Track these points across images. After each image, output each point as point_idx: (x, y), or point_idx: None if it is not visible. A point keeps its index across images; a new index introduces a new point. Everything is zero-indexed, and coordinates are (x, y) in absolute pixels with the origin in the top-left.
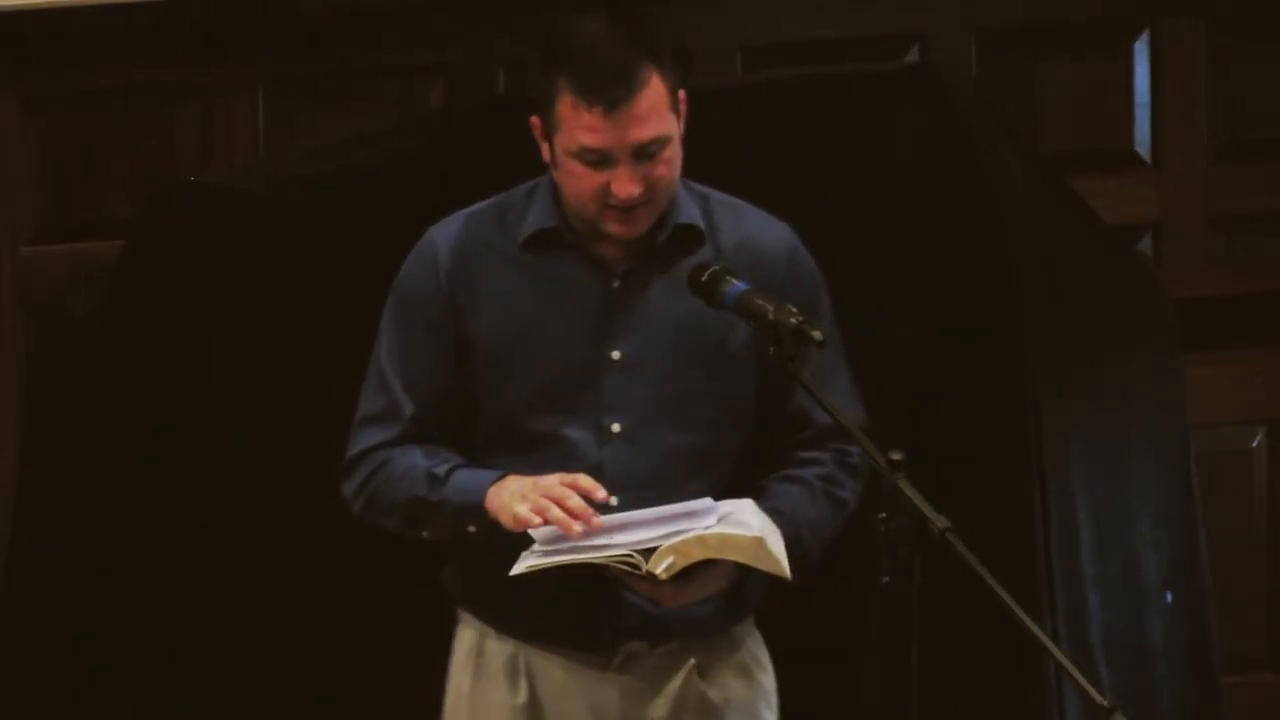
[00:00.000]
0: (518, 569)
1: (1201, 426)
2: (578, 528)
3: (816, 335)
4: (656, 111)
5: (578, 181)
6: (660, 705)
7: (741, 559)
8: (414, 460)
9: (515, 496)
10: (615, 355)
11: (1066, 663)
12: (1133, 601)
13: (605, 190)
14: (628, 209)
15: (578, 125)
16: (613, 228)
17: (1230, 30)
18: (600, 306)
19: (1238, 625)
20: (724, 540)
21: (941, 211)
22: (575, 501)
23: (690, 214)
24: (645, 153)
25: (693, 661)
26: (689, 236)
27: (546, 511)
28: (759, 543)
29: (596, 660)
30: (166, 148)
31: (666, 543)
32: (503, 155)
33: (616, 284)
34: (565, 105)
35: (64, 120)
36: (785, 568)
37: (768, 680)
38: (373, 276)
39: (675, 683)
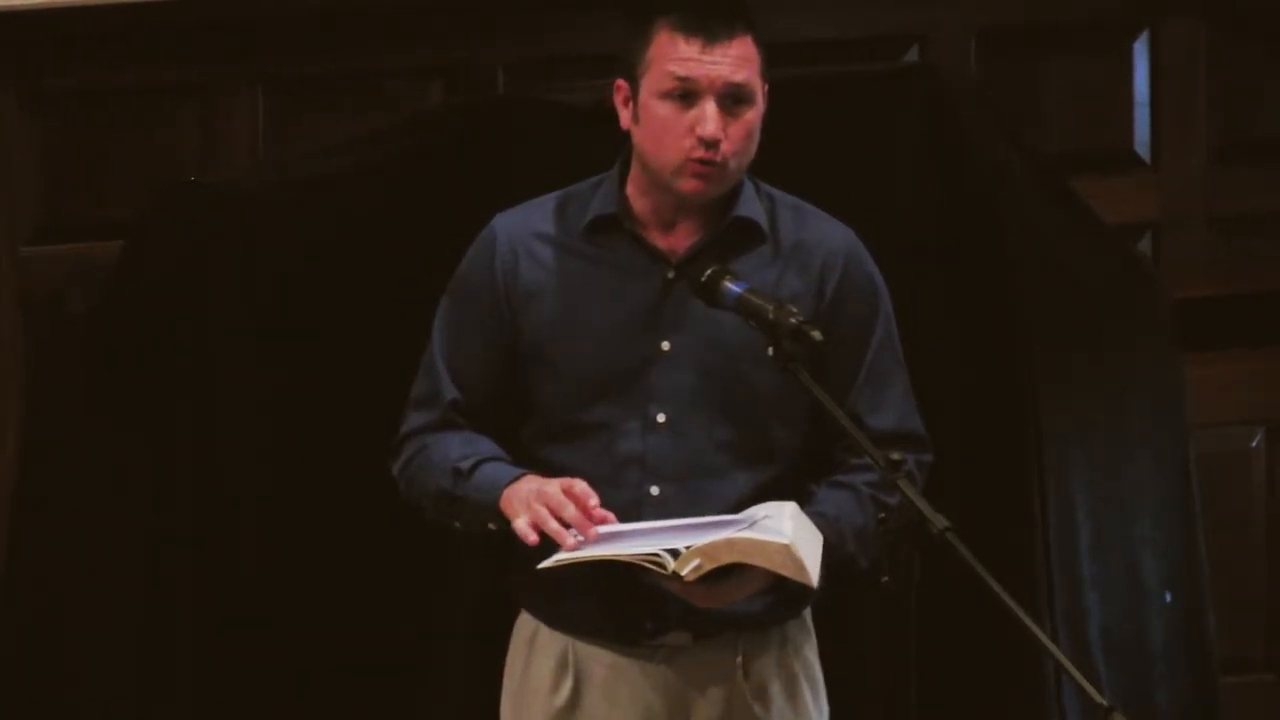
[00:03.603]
0: (547, 564)
1: (1201, 426)
2: (570, 540)
3: (816, 335)
4: (750, 64)
5: (664, 124)
6: (703, 702)
7: (768, 565)
8: (446, 450)
9: (521, 505)
10: (665, 345)
11: (1066, 663)
12: (1132, 601)
13: (689, 131)
14: (707, 163)
15: (674, 57)
16: (688, 184)
17: (1230, 30)
18: (654, 296)
19: (1237, 625)
20: (753, 545)
21: (941, 211)
22: (570, 512)
23: (753, 210)
24: (734, 97)
25: (739, 659)
26: (748, 232)
27: (544, 524)
28: (787, 549)
29: (641, 654)
30: (166, 148)
31: (696, 544)
32: (503, 155)
33: (671, 274)
34: (662, 41)
35: (64, 120)
36: (811, 576)
37: (814, 676)
38: (372, 276)
39: (719, 679)
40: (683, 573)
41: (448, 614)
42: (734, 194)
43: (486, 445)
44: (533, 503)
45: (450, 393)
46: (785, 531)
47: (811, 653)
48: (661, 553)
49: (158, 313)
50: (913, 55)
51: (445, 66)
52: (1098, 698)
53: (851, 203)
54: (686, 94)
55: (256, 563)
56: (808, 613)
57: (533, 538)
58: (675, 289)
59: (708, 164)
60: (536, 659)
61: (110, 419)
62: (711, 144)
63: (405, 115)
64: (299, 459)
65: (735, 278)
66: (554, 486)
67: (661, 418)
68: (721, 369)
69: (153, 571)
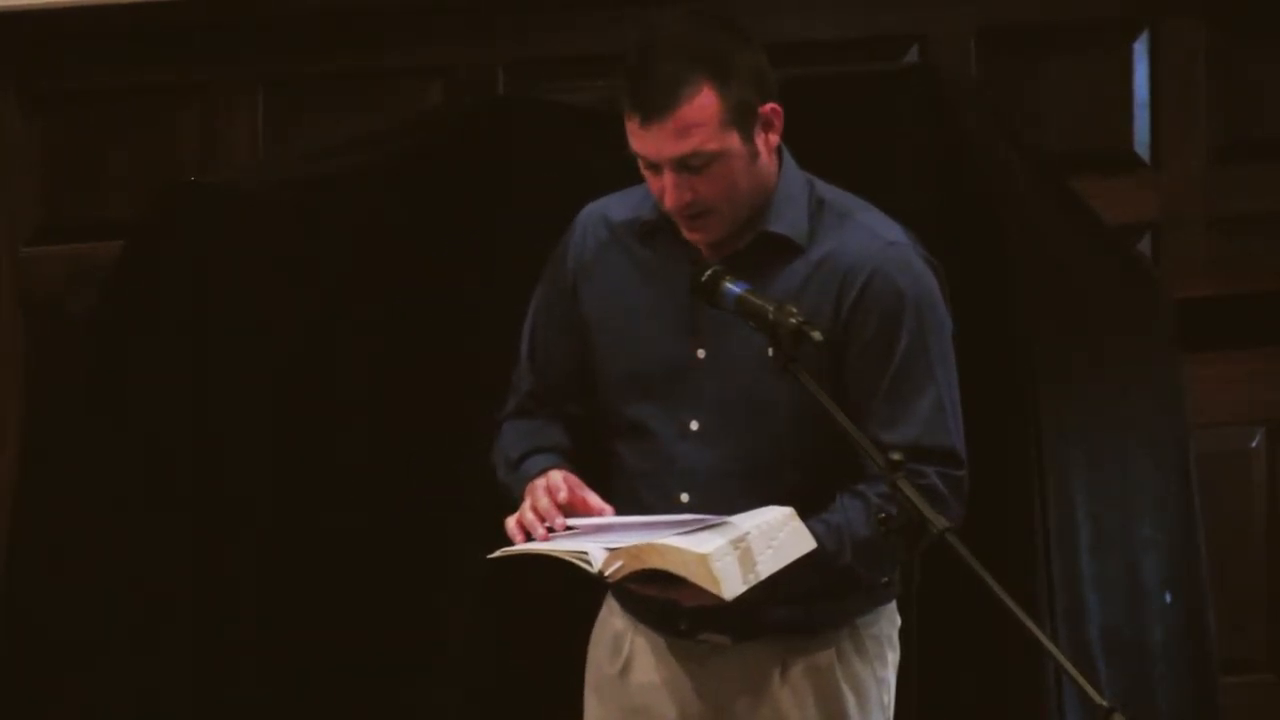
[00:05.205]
0: (494, 555)
1: (1201, 426)
2: (541, 530)
3: (816, 335)
4: (701, 127)
5: (648, 181)
6: (739, 702)
7: (685, 573)
8: (512, 439)
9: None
10: (700, 354)
11: (1066, 663)
12: (1132, 602)
13: (663, 195)
14: (689, 216)
15: (628, 129)
16: (688, 233)
17: (1230, 30)
18: (692, 304)
19: (1238, 625)
20: (672, 552)
21: (941, 211)
22: (543, 503)
23: (788, 223)
24: (687, 165)
25: (779, 664)
26: (782, 245)
27: (522, 514)
28: (702, 560)
29: (684, 647)
30: (166, 148)
31: (624, 545)
32: (503, 155)
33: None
34: (624, 108)
35: (64, 120)
36: (725, 591)
37: (864, 690)
38: (372, 275)
39: (754, 681)
40: (606, 573)
41: (448, 614)
42: (770, 205)
43: (548, 435)
44: (525, 496)
45: (527, 381)
46: (715, 542)
47: (865, 667)
48: (594, 550)
49: (157, 313)
50: (913, 55)
51: (445, 66)
52: (1097, 698)
53: None
54: (648, 164)
55: (256, 563)
56: (876, 628)
57: (519, 536)
58: None
59: (690, 218)
60: (603, 633)
61: (110, 419)
62: (679, 210)
63: (405, 115)
64: (299, 458)
65: (735, 279)
66: (543, 479)
67: (695, 425)
68: (754, 379)
69: (152, 571)
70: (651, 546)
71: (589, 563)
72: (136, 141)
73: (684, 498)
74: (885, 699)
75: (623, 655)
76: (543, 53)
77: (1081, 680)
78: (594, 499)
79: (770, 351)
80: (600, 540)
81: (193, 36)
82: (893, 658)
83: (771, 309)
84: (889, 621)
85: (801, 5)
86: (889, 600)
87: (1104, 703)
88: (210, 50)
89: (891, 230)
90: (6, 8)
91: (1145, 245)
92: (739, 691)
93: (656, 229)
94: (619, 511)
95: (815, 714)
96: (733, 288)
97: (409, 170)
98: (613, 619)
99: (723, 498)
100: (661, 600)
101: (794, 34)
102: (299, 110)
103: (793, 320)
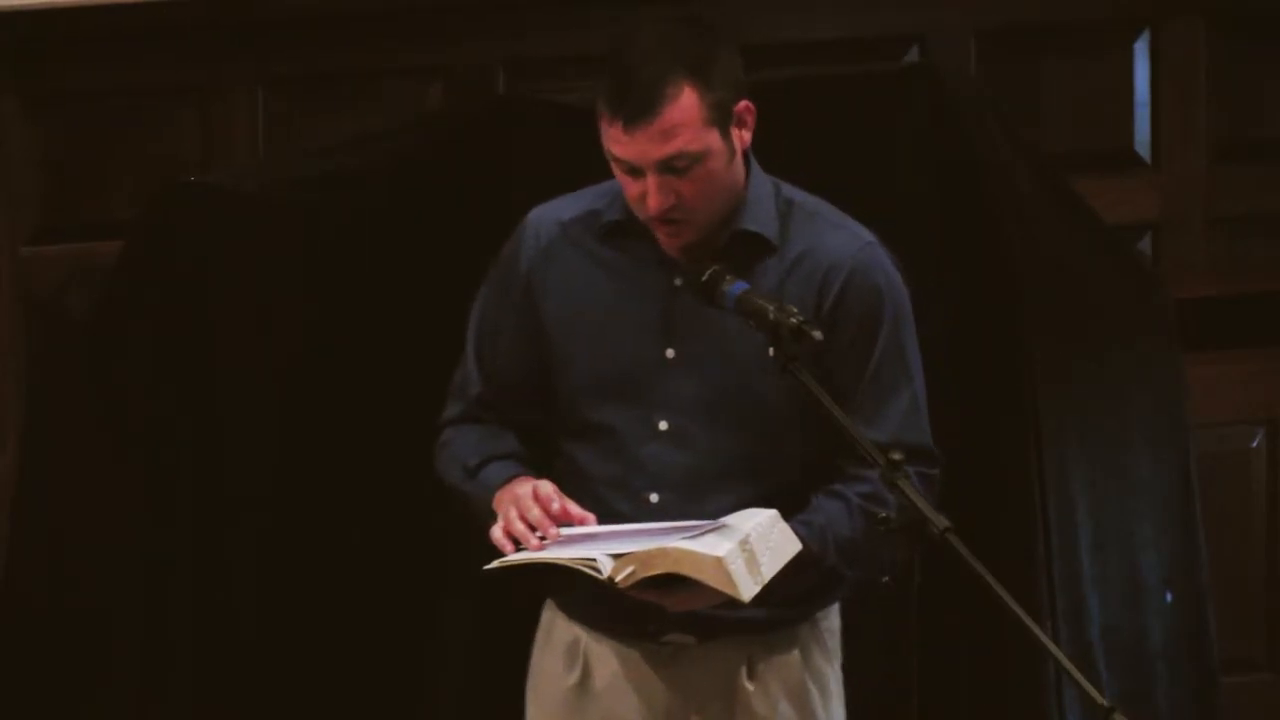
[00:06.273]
0: (492, 565)
1: (1201, 426)
2: (534, 540)
3: (816, 334)
4: (685, 128)
5: (624, 186)
6: (707, 702)
7: (700, 577)
8: (464, 445)
9: (502, 510)
10: (670, 354)
11: (1066, 663)
12: (1132, 601)
13: (642, 200)
14: (667, 220)
15: (607, 134)
16: (662, 239)
17: (1230, 30)
18: (661, 304)
19: (1238, 625)
20: (685, 555)
21: (941, 212)
22: (535, 514)
23: (761, 222)
24: (670, 167)
25: (744, 662)
26: (756, 243)
27: (512, 525)
28: (718, 563)
29: (647, 651)
30: (167, 148)
31: (634, 551)
32: (503, 155)
33: (678, 282)
34: (601, 112)
35: (64, 120)
36: (742, 593)
37: (825, 684)
38: (372, 275)
39: (722, 681)
40: (617, 579)
41: (449, 615)
42: (742, 204)
43: (503, 442)
44: (506, 505)
45: (475, 385)
46: (724, 545)
47: (824, 660)
48: (600, 557)
49: (158, 313)
50: (913, 55)
51: (445, 66)
52: (1098, 698)
53: (851, 203)
54: (629, 168)
55: (258, 564)
56: (829, 621)
57: (509, 547)
58: (682, 297)
59: (669, 223)
60: (552, 645)
61: (110, 420)
62: (661, 214)
63: (405, 115)
64: (299, 458)
65: (735, 278)
66: (526, 488)
67: (664, 425)
68: (725, 379)
69: (153, 573)
70: (663, 551)
71: (598, 570)
72: (137, 142)
73: (653, 498)
74: (840, 690)
75: (579, 664)
76: (543, 53)
77: (1082, 680)
78: (575, 508)
79: (771, 351)
80: (598, 548)
81: (193, 36)
82: (841, 652)
83: (772, 308)
84: (837, 616)
85: (801, 5)
86: (839, 597)
87: (1104, 702)
88: (210, 50)
89: (862, 230)
90: (6, 8)
91: (1145, 245)
92: (707, 692)
93: (621, 229)
94: None
95: (784, 709)
96: (733, 288)
97: (409, 170)
98: (560, 626)
99: (692, 497)
100: (627, 604)
101: (794, 34)
102: (299, 110)
103: (793, 319)
